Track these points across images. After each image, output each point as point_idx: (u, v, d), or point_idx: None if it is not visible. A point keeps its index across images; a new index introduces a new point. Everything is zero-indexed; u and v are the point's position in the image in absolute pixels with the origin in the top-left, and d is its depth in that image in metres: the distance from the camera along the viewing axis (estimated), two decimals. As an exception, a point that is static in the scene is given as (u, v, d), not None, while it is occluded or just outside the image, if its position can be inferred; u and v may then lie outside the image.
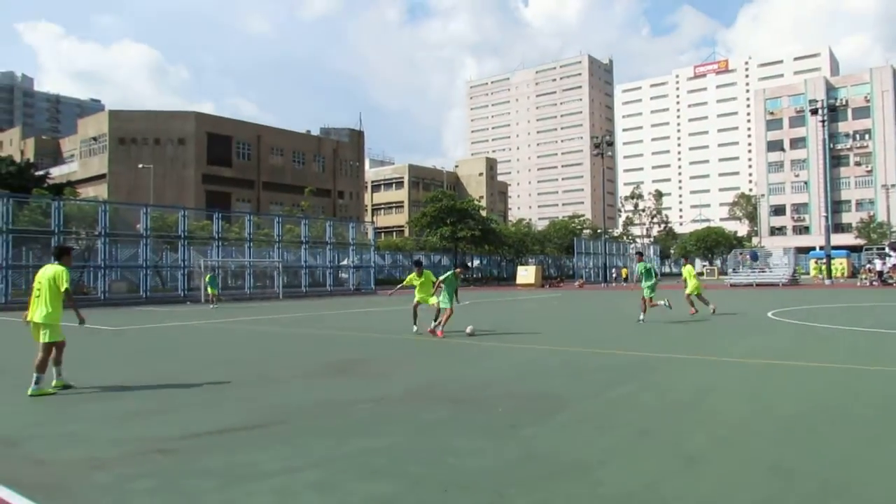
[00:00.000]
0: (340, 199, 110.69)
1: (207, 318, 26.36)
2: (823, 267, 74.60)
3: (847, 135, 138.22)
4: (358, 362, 13.95)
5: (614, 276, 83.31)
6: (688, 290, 27.37)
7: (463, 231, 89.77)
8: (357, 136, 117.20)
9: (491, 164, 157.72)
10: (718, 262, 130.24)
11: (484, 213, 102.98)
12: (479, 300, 40.70)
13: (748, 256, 74.31)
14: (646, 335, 18.77)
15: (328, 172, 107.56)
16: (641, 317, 23.22)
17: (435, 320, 19.37)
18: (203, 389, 11.05)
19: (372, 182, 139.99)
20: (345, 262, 61.08)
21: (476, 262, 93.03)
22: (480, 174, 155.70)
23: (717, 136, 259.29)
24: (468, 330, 19.51)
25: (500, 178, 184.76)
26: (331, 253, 57.27)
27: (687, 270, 28.33)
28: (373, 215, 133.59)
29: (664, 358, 14.36)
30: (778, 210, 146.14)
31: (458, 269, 20.60)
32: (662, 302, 24.89)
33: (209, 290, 39.52)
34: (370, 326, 22.05)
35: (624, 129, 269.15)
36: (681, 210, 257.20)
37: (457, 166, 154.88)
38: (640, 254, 26.67)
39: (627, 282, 79.66)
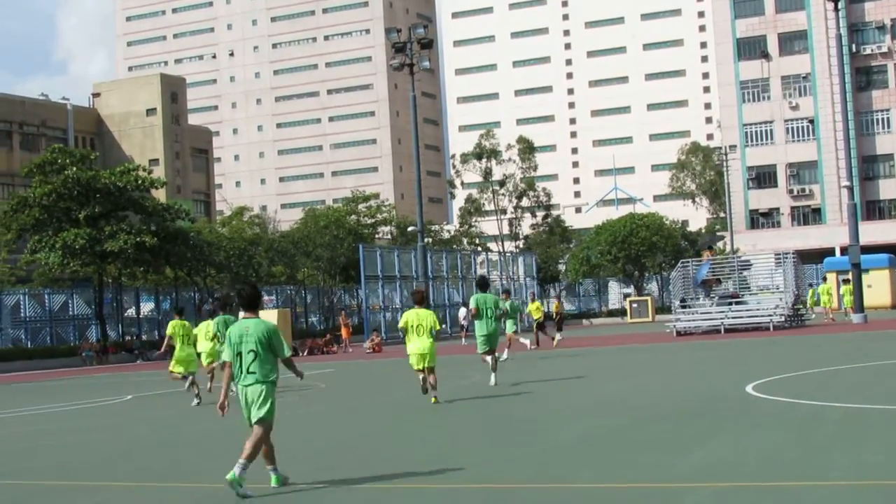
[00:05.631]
0: None
1: None
2: (847, 290, 55.44)
3: (881, 27, 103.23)
4: None
5: (464, 321, 56.72)
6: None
7: (117, 239, 59.34)
8: None
9: (174, 89, 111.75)
10: (654, 286, 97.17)
11: (162, 198, 76.83)
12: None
13: (706, 251, 56.08)
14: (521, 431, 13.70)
15: None
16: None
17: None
18: None
19: None
20: None
21: (147, 307, 63.06)
22: (151, 111, 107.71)
23: (642, 27, 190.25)
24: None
25: (197, 119, 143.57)
26: None
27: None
28: None
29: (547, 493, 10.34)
30: (762, 177, 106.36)
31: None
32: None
33: None
34: None
35: (455, 15, 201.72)
36: (577, 182, 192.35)
37: (97, 95, 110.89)
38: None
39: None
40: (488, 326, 23.08)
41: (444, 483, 11.19)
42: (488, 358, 23.42)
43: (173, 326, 25.14)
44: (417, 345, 20.04)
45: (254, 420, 10.91)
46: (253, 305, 11.36)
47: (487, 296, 23.49)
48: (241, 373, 10.96)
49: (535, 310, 45.47)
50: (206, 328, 25.14)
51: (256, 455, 11.05)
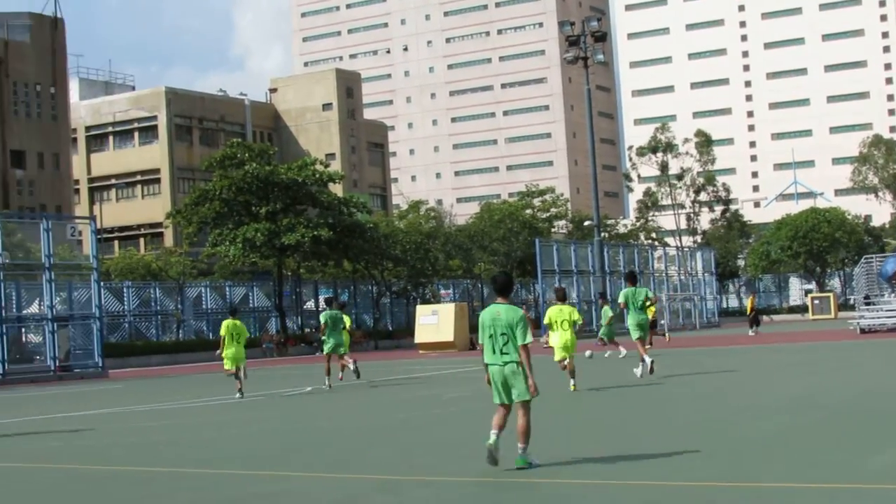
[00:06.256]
0: (19, 167, 78.16)
1: None
2: None
3: None
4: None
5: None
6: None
7: (296, 232, 59.68)
8: (50, 30, 80.00)
9: (349, 84, 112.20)
10: (836, 282, 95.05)
11: (339, 192, 75.13)
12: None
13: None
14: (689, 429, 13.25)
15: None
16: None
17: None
18: None
19: (87, 128, 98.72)
20: (32, 310, 43.07)
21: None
22: (327, 106, 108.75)
23: (821, 17, 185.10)
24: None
25: (372, 113, 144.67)
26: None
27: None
28: (92, 201, 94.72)
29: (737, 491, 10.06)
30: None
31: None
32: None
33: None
34: None
35: (628, 7, 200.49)
36: (755, 176, 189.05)
37: (273, 90, 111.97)
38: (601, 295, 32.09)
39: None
40: (636, 317, 24.21)
41: (625, 480, 10.89)
42: (644, 348, 24.58)
43: (225, 326, 26.70)
44: (561, 337, 22.20)
45: (517, 400, 11.67)
46: (505, 292, 12.06)
47: (637, 289, 24.63)
48: (495, 353, 11.69)
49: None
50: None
51: (530, 432, 11.87)
